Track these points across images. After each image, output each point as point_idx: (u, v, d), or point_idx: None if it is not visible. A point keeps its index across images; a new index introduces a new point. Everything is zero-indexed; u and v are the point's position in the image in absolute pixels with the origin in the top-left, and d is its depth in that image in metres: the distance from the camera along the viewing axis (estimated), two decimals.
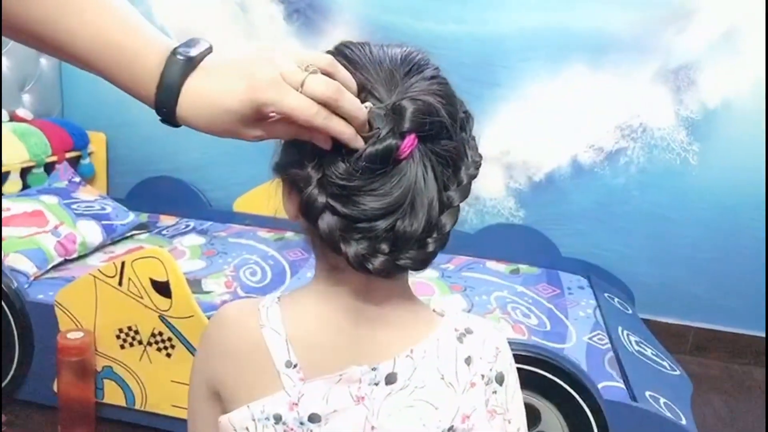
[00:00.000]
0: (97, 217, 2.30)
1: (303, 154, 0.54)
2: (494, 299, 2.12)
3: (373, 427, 0.57)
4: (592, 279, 2.40)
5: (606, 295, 2.29)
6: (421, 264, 0.55)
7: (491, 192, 2.59)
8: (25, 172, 2.37)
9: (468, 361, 0.62)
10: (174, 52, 0.52)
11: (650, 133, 2.45)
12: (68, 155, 2.57)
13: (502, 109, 2.50)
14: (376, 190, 0.53)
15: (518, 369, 1.68)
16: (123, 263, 1.67)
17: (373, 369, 0.58)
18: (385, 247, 0.53)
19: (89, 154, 2.72)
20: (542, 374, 1.55)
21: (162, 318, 1.68)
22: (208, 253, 2.31)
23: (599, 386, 1.59)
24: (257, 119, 0.52)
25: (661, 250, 2.52)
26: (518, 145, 2.53)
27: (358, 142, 0.52)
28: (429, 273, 2.33)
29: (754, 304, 2.49)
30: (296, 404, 0.57)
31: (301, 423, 0.57)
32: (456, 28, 2.44)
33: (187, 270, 2.04)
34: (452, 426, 0.59)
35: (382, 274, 0.54)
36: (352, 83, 0.53)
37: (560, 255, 2.50)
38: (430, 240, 0.55)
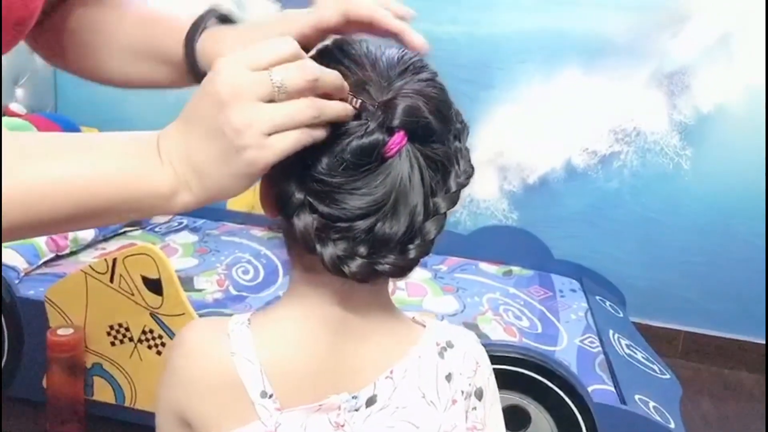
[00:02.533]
0: None
1: None
2: (486, 301, 2.13)
3: None
4: (584, 282, 2.40)
5: (597, 298, 2.30)
6: (401, 271, 0.52)
7: (485, 193, 2.59)
8: None
9: (449, 378, 0.60)
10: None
11: (644, 138, 2.46)
12: None
13: (496, 110, 2.50)
14: (359, 189, 0.50)
15: (509, 371, 1.69)
16: (114, 260, 1.66)
17: (354, 397, 0.56)
18: (363, 249, 0.51)
19: None
20: (533, 376, 1.55)
21: (153, 315, 1.67)
22: (201, 251, 2.30)
23: (589, 389, 1.60)
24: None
25: (653, 254, 2.53)
26: (512, 147, 2.54)
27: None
28: (422, 274, 2.33)
29: (745, 309, 2.51)
30: None
31: None
32: (452, 29, 2.44)
33: (179, 267, 2.04)
34: None
35: (358, 278, 0.51)
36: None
37: (553, 257, 2.50)
38: (411, 246, 0.52)
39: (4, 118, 2.38)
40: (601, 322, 2.07)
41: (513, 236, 2.54)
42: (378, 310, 0.59)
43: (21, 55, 2.54)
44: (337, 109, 0.48)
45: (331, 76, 0.47)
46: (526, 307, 2.12)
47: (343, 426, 0.55)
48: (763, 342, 2.51)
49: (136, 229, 2.49)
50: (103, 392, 1.78)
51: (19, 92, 2.58)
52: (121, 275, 1.66)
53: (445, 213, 0.54)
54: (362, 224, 0.50)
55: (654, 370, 1.91)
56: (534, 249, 2.50)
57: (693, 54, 2.36)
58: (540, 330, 1.97)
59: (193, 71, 0.61)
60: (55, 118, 2.60)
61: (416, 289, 2.19)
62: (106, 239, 2.34)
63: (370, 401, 0.56)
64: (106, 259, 1.68)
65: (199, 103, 0.46)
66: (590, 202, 2.54)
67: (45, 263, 2.03)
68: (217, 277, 2.08)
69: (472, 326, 1.91)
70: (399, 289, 2.15)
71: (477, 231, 2.59)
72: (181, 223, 2.61)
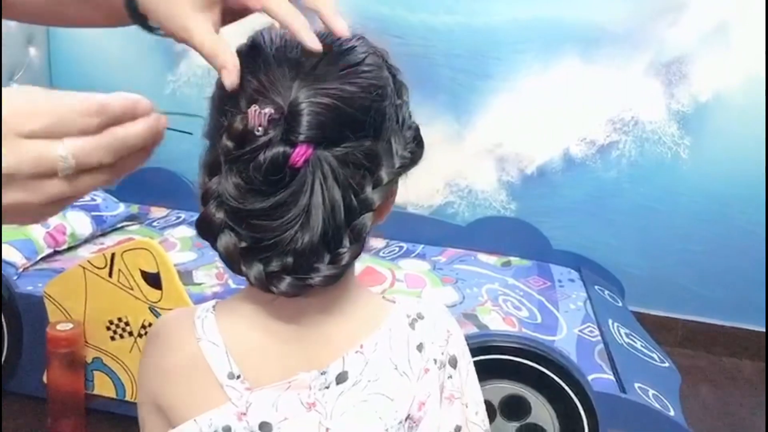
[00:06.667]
0: (86, 209, 2.28)
1: (213, 164, 0.51)
2: (485, 291, 2.13)
3: (327, 429, 0.55)
4: (582, 271, 2.41)
5: (596, 287, 2.30)
6: (334, 279, 0.51)
7: (483, 184, 2.59)
8: None
9: (420, 347, 0.60)
10: None
11: (642, 127, 2.45)
12: None
13: (494, 101, 2.49)
14: (275, 210, 0.49)
15: (509, 361, 1.70)
16: (113, 254, 1.66)
17: (323, 373, 0.55)
18: (290, 261, 0.50)
19: None
20: (533, 366, 1.56)
21: (152, 309, 1.67)
22: (199, 245, 2.30)
23: (589, 378, 1.60)
24: (212, 7, 0.50)
25: (652, 243, 2.53)
26: (510, 137, 2.53)
27: None
28: (420, 265, 2.33)
29: (744, 297, 2.51)
30: (245, 414, 0.54)
31: None
32: (449, 19, 2.43)
33: (177, 261, 2.03)
34: (409, 415, 0.58)
35: (289, 295, 0.51)
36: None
37: (551, 247, 2.50)
38: (344, 250, 0.51)
39: None
40: (600, 312, 2.07)
41: (511, 227, 2.54)
42: (342, 292, 0.58)
43: (16, 49, 2.53)
44: (137, 146, 0.42)
45: (135, 139, 0.41)
46: (525, 297, 2.13)
47: (314, 405, 0.55)
48: (762, 330, 2.52)
49: (134, 224, 2.49)
50: (103, 387, 1.78)
51: (15, 87, 2.57)
52: (119, 270, 1.66)
53: (378, 206, 0.52)
54: (281, 239, 0.49)
55: (653, 359, 1.92)
56: (532, 239, 2.50)
57: (690, 42, 2.35)
58: (539, 320, 1.97)
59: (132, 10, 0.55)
60: None
61: (415, 280, 2.19)
62: (104, 234, 2.33)
63: (341, 378, 0.56)
64: (104, 254, 1.67)
65: None
66: (588, 192, 2.53)
67: (43, 259, 2.03)
68: (216, 270, 2.08)
69: (472, 317, 1.91)
70: (398, 281, 2.15)
71: (475, 222, 2.59)
72: (179, 218, 2.61)
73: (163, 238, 2.34)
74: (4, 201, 0.37)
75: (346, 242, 0.51)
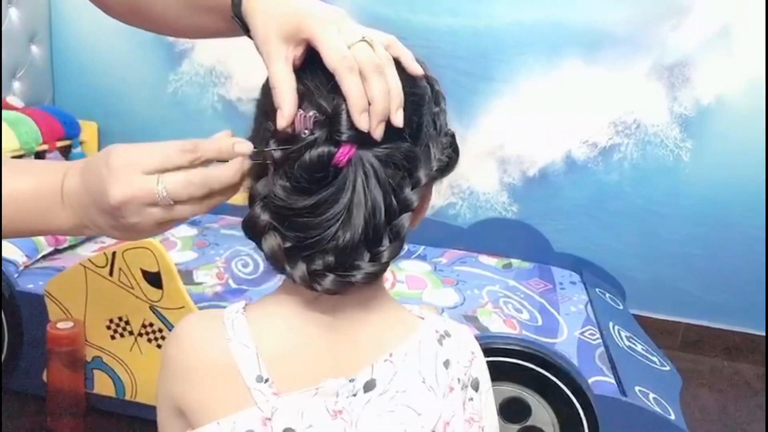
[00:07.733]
0: None
1: (260, 167, 0.53)
2: (486, 293, 2.12)
3: None
4: (583, 274, 2.40)
5: (597, 290, 2.30)
6: (375, 277, 0.53)
7: (485, 186, 2.58)
8: None
9: (446, 364, 0.60)
10: None
11: (644, 130, 2.45)
12: (59, 144, 2.54)
13: (496, 103, 2.49)
14: (319, 207, 0.51)
15: (509, 363, 1.69)
16: (114, 253, 1.66)
17: (351, 381, 0.55)
18: (331, 260, 0.51)
19: (81, 143, 2.69)
20: (533, 369, 1.55)
21: (152, 309, 1.67)
22: (200, 245, 2.30)
23: (590, 381, 1.60)
24: (297, 43, 0.52)
25: (653, 246, 2.53)
26: (512, 139, 2.53)
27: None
28: (422, 266, 2.33)
29: (745, 301, 2.51)
30: (269, 419, 0.53)
31: None
32: (451, 20, 2.43)
33: (178, 261, 2.03)
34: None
35: (332, 293, 0.52)
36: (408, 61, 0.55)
37: (553, 250, 2.50)
38: (383, 248, 0.53)
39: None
40: (601, 315, 2.07)
41: (513, 229, 2.54)
42: (374, 299, 0.59)
43: (18, 47, 2.53)
44: (224, 183, 0.51)
45: (222, 178, 0.50)
46: (526, 299, 2.12)
47: (341, 412, 0.55)
48: (763, 333, 2.51)
49: None
50: (103, 385, 1.78)
51: (16, 85, 2.57)
52: (120, 269, 1.66)
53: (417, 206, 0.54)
54: (326, 235, 0.51)
55: (654, 362, 1.92)
56: (534, 241, 2.50)
57: (693, 46, 2.35)
58: (540, 322, 1.97)
59: (239, 20, 0.61)
60: (53, 111, 2.59)
61: (416, 281, 2.18)
62: None
63: (369, 386, 0.56)
64: (105, 253, 1.67)
65: (94, 187, 0.50)
66: (590, 195, 2.53)
67: (44, 257, 2.03)
68: (217, 270, 2.08)
69: (473, 318, 1.91)
70: (399, 282, 2.15)
71: (477, 224, 2.58)
72: None
73: (163, 237, 2.34)
74: (128, 222, 0.50)
75: (386, 241, 0.53)
